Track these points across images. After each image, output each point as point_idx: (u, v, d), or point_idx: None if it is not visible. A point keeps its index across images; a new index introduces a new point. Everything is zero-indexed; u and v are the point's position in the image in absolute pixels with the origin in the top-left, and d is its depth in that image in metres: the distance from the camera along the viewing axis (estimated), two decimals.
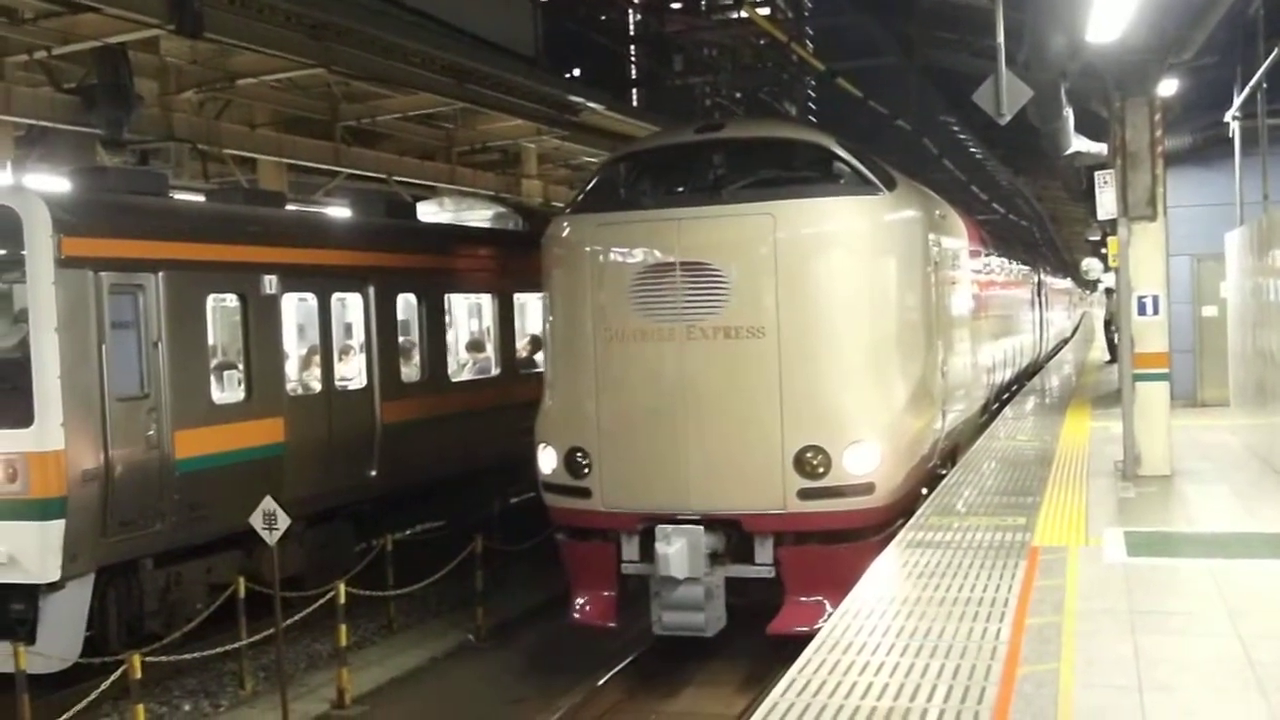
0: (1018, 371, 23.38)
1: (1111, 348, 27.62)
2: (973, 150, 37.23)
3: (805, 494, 10.27)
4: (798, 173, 11.16)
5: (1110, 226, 13.62)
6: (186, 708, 11.12)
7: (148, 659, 9.76)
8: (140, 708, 9.53)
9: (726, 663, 11.34)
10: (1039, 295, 29.57)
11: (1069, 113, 16.30)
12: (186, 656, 10.86)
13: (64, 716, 9.50)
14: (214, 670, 11.74)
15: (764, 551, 10.48)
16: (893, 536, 9.97)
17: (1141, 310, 12.39)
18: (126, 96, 13.98)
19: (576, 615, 11.11)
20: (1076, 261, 58.99)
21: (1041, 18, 11.18)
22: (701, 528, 10.34)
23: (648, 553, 10.51)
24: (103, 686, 9.69)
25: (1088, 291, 67.39)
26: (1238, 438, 15.26)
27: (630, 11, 32.15)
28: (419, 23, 16.64)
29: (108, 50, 13.61)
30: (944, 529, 10.01)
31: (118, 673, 9.57)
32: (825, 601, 10.03)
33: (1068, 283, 53.24)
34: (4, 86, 14.06)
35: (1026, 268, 27.26)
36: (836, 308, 10.48)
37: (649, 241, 10.66)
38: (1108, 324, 29.81)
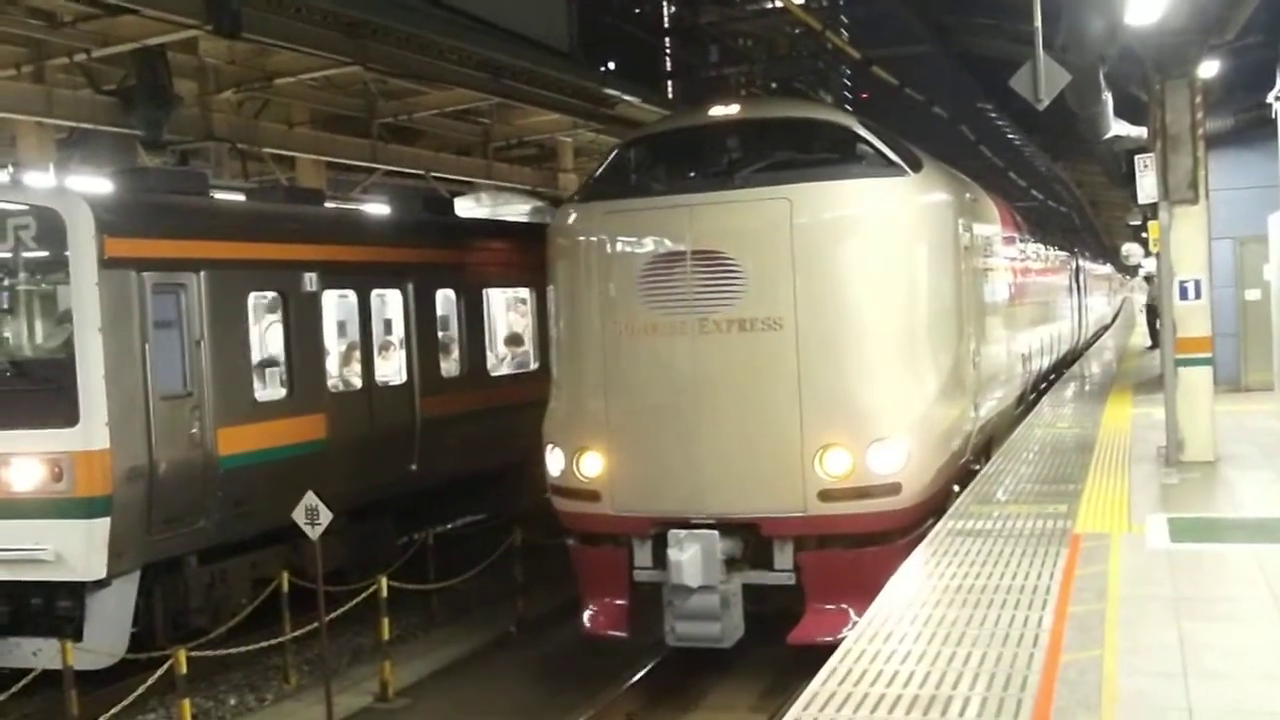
0: (1056, 360, 23.13)
1: (1153, 333, 27.38)
2: (1010, 136, 36.98)
3: (827, 495, 9.70)
4: (817, 154, 10.48)
5: (1151, 211, 13.50)
6: (232, 701, 11.26)
7: (193, 654, 9.86)
8: (186, 702, 9.65)
9: (752, 657, 11.07)
10: (1077, 281, 29.26)
11: (1108, 97, 16.13)
12: (231, 651, 10.97)
13: (111, 712, 9.64)
14: (258, 664, 11.86)
15: (783, 557, 9.91)
16: (921, 538, 9.39)
17: (1183, 295, 12.21)
18: (166, 97, 14.14)
19: (587, 624, 10.58)
20: (1117, 247, 58.42)
21: (1079, 1, 11.07)
22: (716, 532, 9.78)
23: (661, 559, 9.93)
24: (149, 682, 9.81)
25: (1128, 277, 66.77)
26: None
27: (664, 3, 32.15)
28: (454, 19, 16.69)
29: (146, 52, 13.76)
30: (984, 517, 9.90)
31: (164, 668, 9.67)
32: (849, 609, 9.51)
33: (1108, 268, 52.75)
34: (45, 89, 14.24)
35: (1064, 253, 26.94)
36: (859, 297, 9.87)
37: (658, 230, 10.08)
38: (1149, 309, 29.55)
